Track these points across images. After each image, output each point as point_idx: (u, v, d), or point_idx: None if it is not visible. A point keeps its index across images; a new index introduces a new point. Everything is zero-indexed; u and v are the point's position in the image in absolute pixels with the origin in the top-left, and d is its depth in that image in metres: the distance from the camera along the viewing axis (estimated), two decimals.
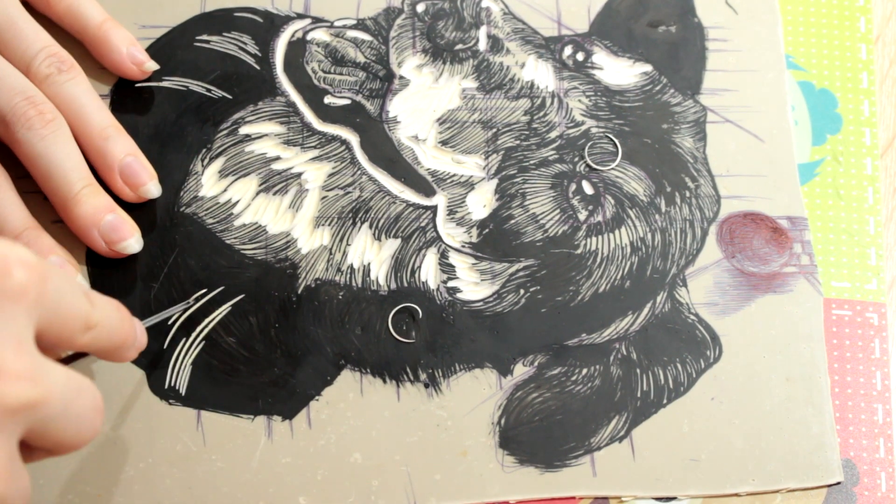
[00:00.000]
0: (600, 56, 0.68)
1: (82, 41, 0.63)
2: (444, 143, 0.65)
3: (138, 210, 0.61)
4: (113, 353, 0.52)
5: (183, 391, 0.59)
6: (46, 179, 0.58)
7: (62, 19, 0.63)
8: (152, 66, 0.64)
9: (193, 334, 0.60)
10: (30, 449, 0.46)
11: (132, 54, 0.63)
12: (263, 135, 0.64)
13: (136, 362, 0.59)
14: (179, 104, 0.64)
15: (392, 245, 0.62)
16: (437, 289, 0.62)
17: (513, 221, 0.63)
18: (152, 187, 0.61)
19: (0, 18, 0.59)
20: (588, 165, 0.65)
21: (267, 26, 0.67)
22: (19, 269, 0.42)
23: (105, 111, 0.61)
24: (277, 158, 0.64)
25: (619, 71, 0.68)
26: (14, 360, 0.41)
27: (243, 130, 0.64)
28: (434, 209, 0.63)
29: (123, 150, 0.60)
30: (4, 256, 0.42)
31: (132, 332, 0.53)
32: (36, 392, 0.42)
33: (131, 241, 0.59)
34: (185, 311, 0.60)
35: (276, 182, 0.63)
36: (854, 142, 0.67)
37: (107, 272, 0.61)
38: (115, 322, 0.50)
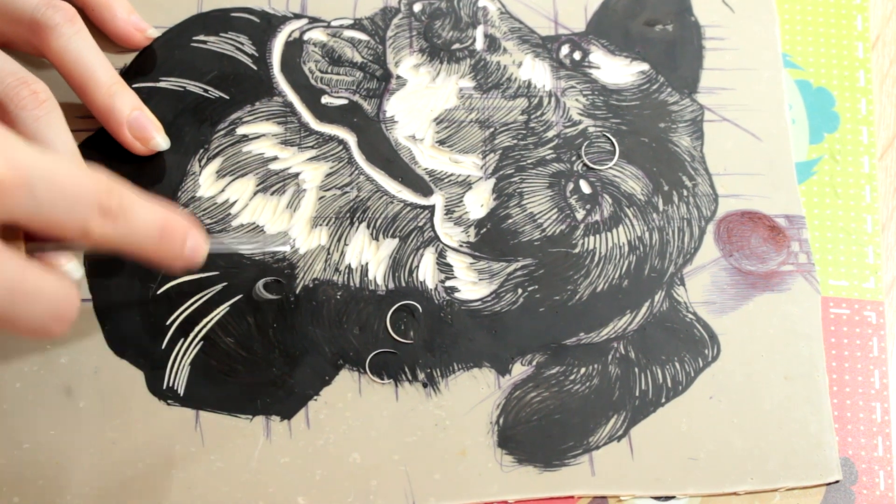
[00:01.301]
0: (597, 55, 0.68)
1: (83, 8, 0.64)
2: (441, 142, 0.65)
3: None
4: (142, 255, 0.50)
5: (181, 391, 0.59)
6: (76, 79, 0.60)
7: None
8: (154, 32, 0.65)
9: (191, 334, 0.60)
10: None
11: (133, 21, 0.64)
12: (261, 135, 0.64)
13: (135, 362, 0.59)
14: (177, 105, 0.64)
15: (390, 245, 0.62)
16: (435, 288, 0.62)
17: (510, 221, 0.63)
18: (160, 139, 0.62)
19: None
20: (585, 165, 0.65)
21: (264, 26, 0.67)
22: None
23: (109, 66, 0.61)
24: (275, 158, 0.64)
25: (616, 70, 0.68)
26: None
27: (241, 131, 0.64)
28: (432, 209, 0.63)
29: (130, 104, 0.61)
30: None
31: (170, 252, 0.50)
32: (10, 172, 0.42)
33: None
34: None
35: (274, 182, 0.63)
36: (851, 140, 0.67)
37: (105, 273, 0.61)
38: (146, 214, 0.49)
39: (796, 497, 0.60)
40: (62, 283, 0.46)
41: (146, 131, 0.61)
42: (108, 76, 0.60)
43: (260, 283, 0.61)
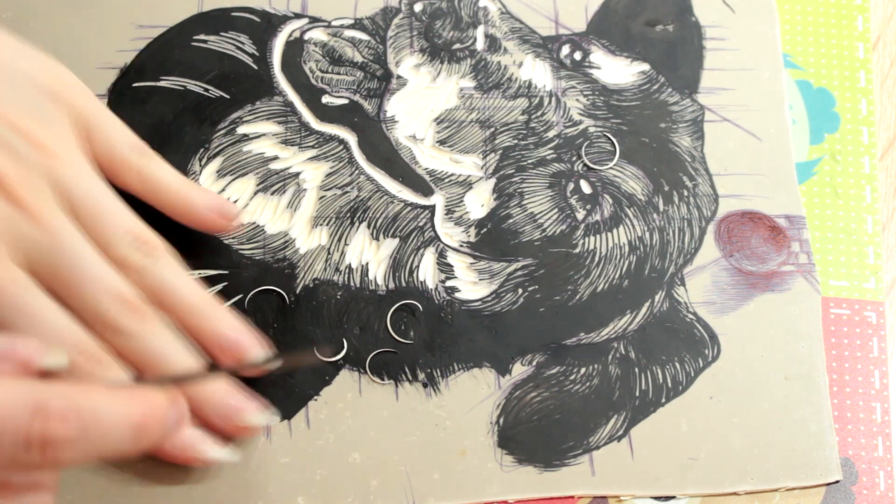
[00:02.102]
0: (598, 55, 0.68)
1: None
2: (441, 142, 0.65)
3: (136, 207, 0.61)
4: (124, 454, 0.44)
5: None
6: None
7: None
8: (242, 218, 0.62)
9: None
10: None
11: (220, 209, 0.59)
12: (261, 134, 0.64)
13: None
14: (177, 104, 0.64)
15: (390, 245, 0.62)
16: (436, 288, 0.62)
17: (511, 221, 0.63)
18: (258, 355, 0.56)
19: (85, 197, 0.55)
20: (585, 165, 0.65)
21: (264, 26, 0.67)
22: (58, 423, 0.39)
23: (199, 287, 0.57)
24: (275, 158, 0.64)
25: (617, 70, 0.68)
26: None
27: (241, 130, 0.64)
28: (432, 209, 0.63)
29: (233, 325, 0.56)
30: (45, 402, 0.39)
31: (153, 423, 0.43)
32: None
33: (256, 353, 0.56)
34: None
35: (274, 182, 0.63)
36: (852, 140, 0.67)
37: None
38: (111, 427, 0.42)
39: (796, 497, 0.60)
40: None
41: (253, 344, 0.56)
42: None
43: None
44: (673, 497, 0.59)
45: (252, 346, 0.55)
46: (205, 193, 0.59)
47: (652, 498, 0.59)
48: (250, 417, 0.55)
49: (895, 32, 0.70)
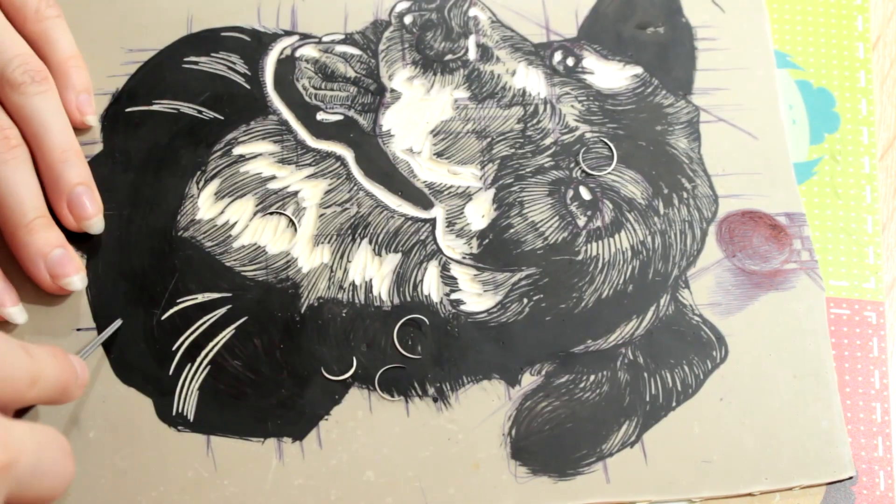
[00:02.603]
0: (590, 60, 0.68)
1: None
2: (439, 154, 0.64)
3: (135, 232, 0.61)
4: (59, 398, 0.52)
5: (191, 417, 0.58)
6: (0, 203, 0.57)
7: (32, 40, 0.61)
8: (93, 120, 0.63)
9: (198, 359, 0.59)
10: None
11: (80, 102, 0.62)
12: (257, 154, 0.64)
13: (143, 390, 0.59)
14: (171, 127, 0.64)
15: (393, 260, 0.62)
16: (441, 302, 0.62)
17: (512, 230, 0.63)
18: (96, 222, 0.60)
19: None
20: (584, 171, 0.64)
21: (255, 45, 0.66)
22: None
23: (69, 132, 0.60)
24: (273, 178, 0.63)
25: (610, 74, 0.68)
26: None
27: (237, 151, 0.64)
28: (433, 222, 0.63)
29: (77, 177, 0.59)
30: None
31: (74, 373, 0.53)
32: (6, 454, 0.42)
33: (75, 278, 0.58)
34: (116, 331, 0.59)
35: (273, 201, 0.63)
36: (852, 140, 0.67)
37: (108, 301, 0.60)
38: (56, 371, 0.51)
39: (796, 497, 0.60)
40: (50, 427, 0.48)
41: (84, 209, 0.59)
42: (62, 141, 0.59)
43: None
44: (684, 501, 0.59)
45: (92, 213, 0.59)
46: (83, 82, 0.62)
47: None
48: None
49: (895, 32, 0.70)
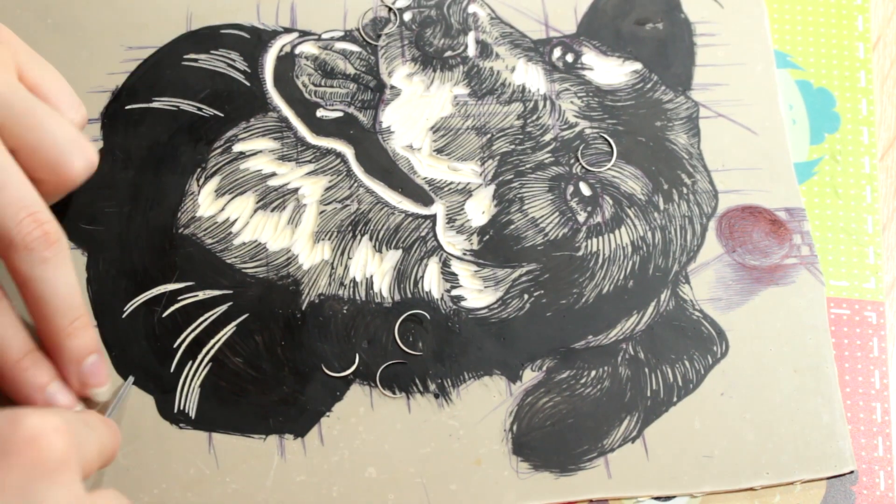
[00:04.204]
0: (589, 56, 0.68)
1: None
2: (439, 151, 0.64)
3: (136, 230, 0.61)
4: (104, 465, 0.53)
5: (192, 414, 0.59)
6: (41, 303, 0.53)
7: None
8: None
9: (200, 356, 0.59)
10: None
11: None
12: (258, 151, 0.64)
13: (145, 387, 0.59)
14: (171, 124, 0.64)
15: (393, 256, 0.62)
16: (441, 298, 0.62)
17: (512, 226, 0.63)
18: (104, 391, 0.55)
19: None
20: (584, 167, 0.64)
21: (254, 42, 0.66)
22: (56, 438, 0.45)
23: (78, 302, 0.54)
24: (273, 175, 0.63)
25: (610, 70, 0.68)
26: None
27: (237, 148, 0.64)
28: (433, 218, 0.63)
29: (86, 348, 0.54)
30: (39, 430, 0.44)
31: (118, 436, 0.54)
32: None
33: (104, 389, 0.55)
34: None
35: (274, 198, 0.63)
36: (852, 140, 0.67)
37: (110, 299, 0.60)
38: (111, 440, 0.52)
39: (796, 496, 0.60)
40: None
41: (98, 378, 0.54)
42: (67, 316, 0.53)
43: None
44: (674, 497, 0.59)
45: (99, 384, 0.55)
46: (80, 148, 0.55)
47: (652, 498, 0.59)
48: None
49: (895, 32, 0.70)
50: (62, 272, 0.53)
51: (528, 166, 0.64)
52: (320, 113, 0.65)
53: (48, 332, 0.53)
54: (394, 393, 0.60)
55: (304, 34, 0.67)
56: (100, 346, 0.57)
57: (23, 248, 0.51)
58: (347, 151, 0.64)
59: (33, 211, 0.51)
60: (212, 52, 0.66)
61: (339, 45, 0.67)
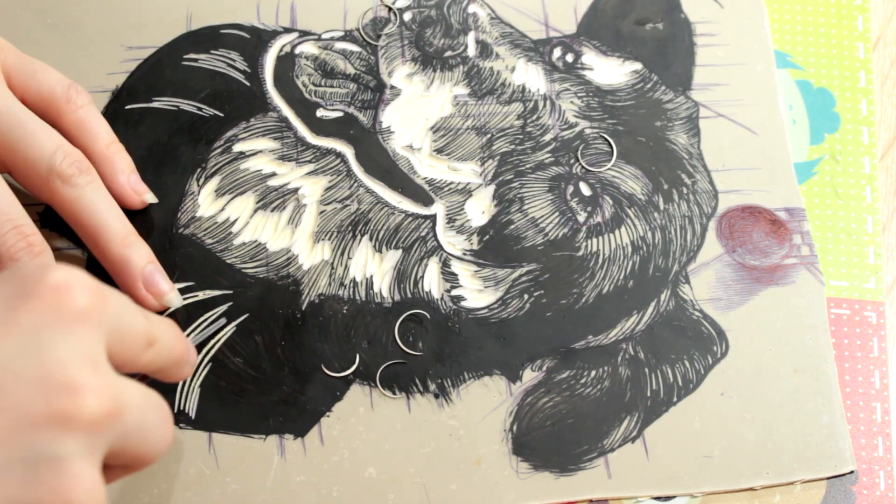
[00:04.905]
0: (590, 56, 0.68)
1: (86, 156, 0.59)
2: (439, 151, 0.64)
3: (141, 232, 0.61)
4: (171, 370, 0.53)
5: (192, 414, 0.59)
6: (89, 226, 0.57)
7: (69, 131, 0.59)
8: (151, 197, 0.61)
9: (199, 356, 0.59)
10: (108, 468, 0.46)
11: (133, 183, 0.61)
12: (258, 151, 0.64)
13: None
14: (171, 124, 0.64)
15: (393, 256, 0.62)
16: (441, 298, 0.62)
17: (512, 226, 0.63)
18: (174, 297, 0.59)
19: (9, 120, 0.56)
20: (584, 167, 0.65)
21: (254, 42, 0.66)
22: (81, 292, 0.43)
23: (124, 216, 0.58)
24: (273, 175, 0.63)
25: (610, 70, 0.68)
26: (91, 376, 0.42)
27: (237, 148, 0.64)
28: (433, 218, 0.63)
29: (145, 258, 0.58)
30: (66, 280, 0.43)
31: (186, 346, 0.54)
32: (116, 404, 0.43)
33: (172, 295, 0.59)
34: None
35: (274, 198, 0.63)
36: (852, 141, 0.67)
37: None
38: (172, 339, 0.51)
39: (796, 496, 0.60)
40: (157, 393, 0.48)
41: (159, 286, 0.58)
42: (121, 227, 0.57)
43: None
44: (674, 497, 0.59)
45: (167, 289, 0.59)
46: (127, 163, 0.61)
47: (652, 498, 0.59)
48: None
49: (895, 33, 0.70)
50: (101, 193, 0.57)
51: (528, 166, 0.64)
52: (320, 113, 0.65)
53: (106, 251, 0.57)
54: (394, 393, 0.60)
55: (304, 34, 0.67)
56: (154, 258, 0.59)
57: (8, 261, 0.54)
58: (347, 151, 0.64)
59: (18, 224, 0.55)
60: (212, 51, 0.66)
61: (339, 45, 0.67)
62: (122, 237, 0.57)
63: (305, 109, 0.65)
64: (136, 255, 0.57)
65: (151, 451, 0.47)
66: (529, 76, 0.67)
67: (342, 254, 0.62)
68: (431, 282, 0.62)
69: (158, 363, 0.50)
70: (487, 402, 0.60)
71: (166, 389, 0.58)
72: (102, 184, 0.58)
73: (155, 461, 0.47)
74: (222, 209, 0.63)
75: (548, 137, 0.65)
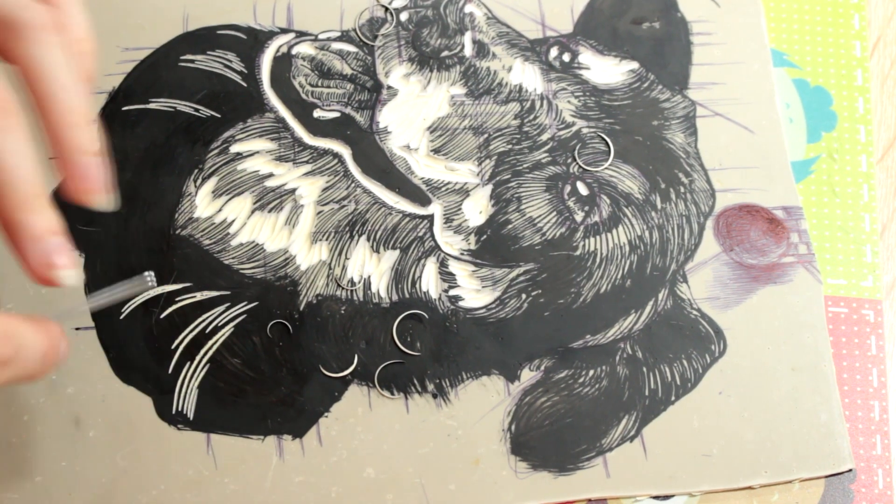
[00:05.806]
0: (586, 56, 0.68)
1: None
2: (436, 151, 0.64)
3: (133, 231, 0.61)
4: (27, 380, 0.46)
5: (191, 415, 0.59)
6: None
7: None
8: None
9: (198, 357, 0.59)
10: None
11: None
12: (255, 152, 0.64)
13: (142, 388, 0.59)
14: (168, 125, 0.64)
15: (391, 256, 0.62)
16: (439, 298, 0.62)
17: (510, 226, 0.63)
18: (69, 274, 0.47)
19: None
20: (580, 166, 0.64)
21: (251, 43, 0.66)
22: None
23: (36, 175, 0.47)
24: (270, 175, 0.63)
25: (606, 70, 0.68)
26: None
27: (234, 149, 0.64)
28: (431, 218, 0.63)
29: (46, 227, 0.47)
30: None
31: (55, 352, 0.46)
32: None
33: (71, 272, 0.47)
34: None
35: (271, 199, 0.63)
36: (849, 139, 0.67)
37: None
38: (32, 353, 0.45)
39: (794, 495, 0.60)
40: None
41: (53, 258, 0.47)
42: (28, 188, 0.46)
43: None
44: (672, 496, 0.59)
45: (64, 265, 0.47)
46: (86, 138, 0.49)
47: (651, 497, 0.59)
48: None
49: (895, 33, 0.70)
50: (20, 143, 0.46)
51: (525, 166, 0.64)
52: (317, 113, 0.65)
53: (4, 209, 0.46)
54: (392, 393, 0.60)
55: (301, 35, 0.67)
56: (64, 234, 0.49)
57: None
58: (344, 152, 0.64)
59: None
60: (208, 52, 0.66)
61: (336, 46, 0.67)
62: (25, 199, 0.46)
63: (302, 110, 0.65)
64: (38, 222, 0.47)
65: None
66: (526, 76, 0.67)
67: (340, 254, 0.62)
68: (429, 282, 0.62)
69: (10, 380, 0.45)
70: (486, 401, 0.60)
71: (164, 390, 0.59)
72: (22, 132, 0.47)
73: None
74: (220, 210, 0.62)
75: (545, 137, 0.65)
